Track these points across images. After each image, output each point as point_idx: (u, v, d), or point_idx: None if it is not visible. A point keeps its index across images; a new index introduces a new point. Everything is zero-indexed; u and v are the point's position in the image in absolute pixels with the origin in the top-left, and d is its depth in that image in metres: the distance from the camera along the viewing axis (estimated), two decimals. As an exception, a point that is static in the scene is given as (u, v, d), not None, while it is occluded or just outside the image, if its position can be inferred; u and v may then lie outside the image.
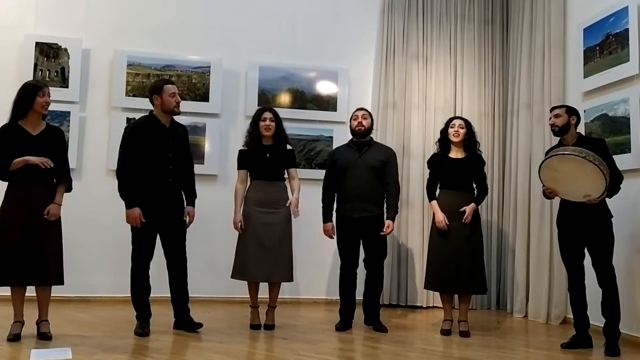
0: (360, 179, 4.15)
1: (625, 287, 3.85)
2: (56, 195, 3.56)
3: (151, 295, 3.88)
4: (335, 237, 4.26)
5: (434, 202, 4.22)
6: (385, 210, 4.21)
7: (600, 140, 3.81)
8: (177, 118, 3.98)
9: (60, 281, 3.55)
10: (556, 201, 4.61)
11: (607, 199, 3.65)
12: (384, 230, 4.11)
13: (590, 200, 3.56)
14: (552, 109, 3.94)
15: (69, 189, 3.66)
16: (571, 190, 3.64)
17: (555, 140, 3.97)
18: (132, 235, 3.80)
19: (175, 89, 3.87)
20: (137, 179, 3.76)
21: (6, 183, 3.55)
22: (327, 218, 4.24)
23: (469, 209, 4.08)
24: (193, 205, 3.96)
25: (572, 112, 3.84)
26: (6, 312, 4.02)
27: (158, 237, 3.86)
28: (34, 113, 3.54)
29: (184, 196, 3.94)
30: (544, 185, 3.78)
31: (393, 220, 4.17)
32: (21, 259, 3.42)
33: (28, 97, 3.51)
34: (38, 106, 3.53)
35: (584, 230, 3.70)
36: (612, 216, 3.69)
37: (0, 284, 3.47)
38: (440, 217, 4.11)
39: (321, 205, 4.27)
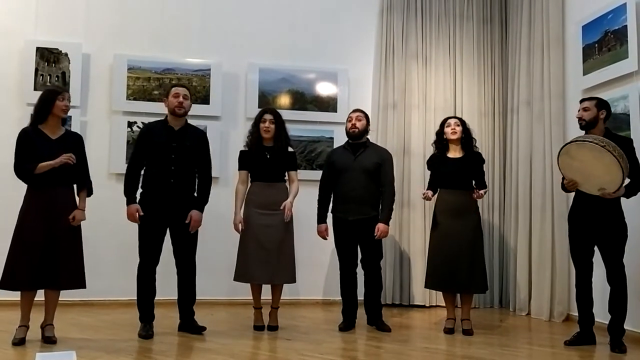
0: (356, 182, 4.15)
1: (634, 284, 3.82)
2: (80, 202, 3.62)
3: (155, 298, 3.89)
4: (329, 238, 4.27)
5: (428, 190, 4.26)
6: (380, 212, 4.20)
7: (628, 140, 3.68)
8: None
9: (82, 284, 3.59)
10: (558, 199, 4.64)
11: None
12: (376, 233, 4.07)
13: (604, 194, 3.49)
14: (581, 101, 3.80)
15: (89, 192, 3.72)
16: (587, 181, 3.55)
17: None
18: (138, 236, 3.83)
19: (179, 90, 3.91)
20: (144, 180, 3.86)
21: (24, 188, 3.59)
22: (321, 219, 4.25)
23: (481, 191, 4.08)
24: (199, 209, 3.91)
25: (602, 105, 3.69)
26: (9, 316, 4.03)
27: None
28: (54, 117, 3.60)
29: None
30: (564, 178, 3.69)
31: (386, 222, 4.12)
32: (36, 264, 3.44)
33: (48, 101, 3.58)
34: (58, 110, 3.59)
35: (596, 227, 3.65)
36: (624, 216, 3.64)
37: (14, 288, 3.49)
38: (425, 191, 4.20)
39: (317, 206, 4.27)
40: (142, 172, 3.90)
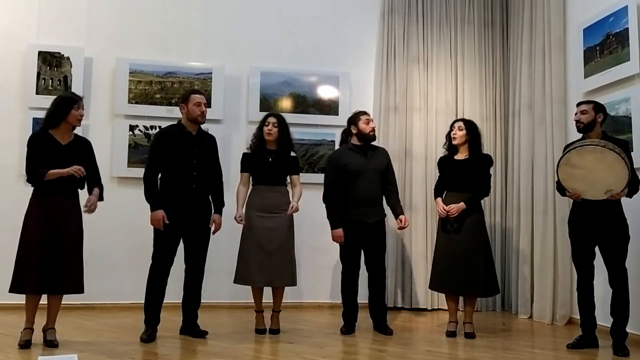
0: (372, 183, 4.18)
1: (636, 287, 3.81)
2: (93, 192, 3.62)
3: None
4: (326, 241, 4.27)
5: (438, 198, 4.25)
6: (392, 209, 4.28)
7: (624, 142, 3.70)
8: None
9: (79, 289, 3.59)
10: (560, 203, 4.63)
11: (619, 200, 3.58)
12: (403, 224, 4.20)
13: (613, 196, 3.48)
14: (578, 104, 3.82)
15: (101, 198, 3.71)
16: (592, 187, 3.53)
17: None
18: (153, 238, 3.84)
19: (200, 99, 3.93)
20: (162, 185, 3.86)
21: (27, 190, 3.60)
22: (337, 224, 4.15)
23: (455, 205, 4.07)
24: (220, 213, 3.98)
25: (599, 109, 3.72)
26: (10, 320, 4.04)
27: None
28: (67, 124, 3.62)
29: (212, 204, 3.99)
30: (563, 190, 3.68)
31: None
32: (41, 269, 3.45)
33: (63, 109, 3.59)
34: (73, 119, 3.61)
35: (597, 230, 3.64)
36: (625, 218, 3.63)
37: (22, 292, 3.50)
38: (440, 207, 4.16)
39: (325, 210, 4.20)
40: (159, 176, 3.91)
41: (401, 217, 4.22)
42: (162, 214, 3.76)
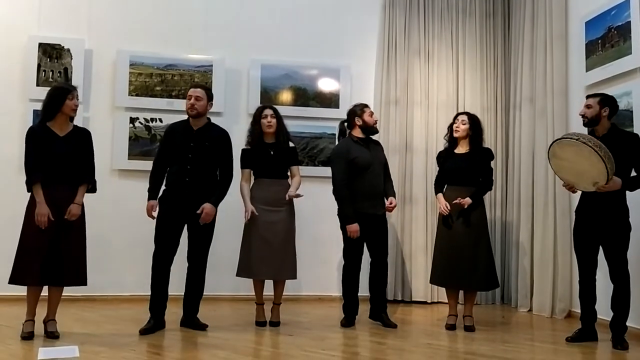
0: (379, 176, 4.22)
1: (637, 282, 3.79)
2: (77, 195, 3.58)
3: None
4: (327, 236, 4.27)
5: (439, 194, 4.24)
6: (385, 192, 4.27)
7: (634, 135, 3.65)
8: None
9: (82, 282, 3.60)
10: (560, 196, 4.63)
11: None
12: (390, 204, 4.18)
13: (600, 189, 3.46)
14: (587, 97, 3.78)
15: (93, 190, 3.71)
16: (581, 179, 3.53)
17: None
18: (154, 232, 3.87)
19: (191, 92, 3.94)
20: (167, 178, 3.95)
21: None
22: (352, 218, 4.06)
23: (463, 200, 4.06)
24: (212, 203, 3.87)
25: (605, 103, 3.65)
26: (10, 311, 4.05)
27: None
28: (63, 115, 3.61)
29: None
30: (564, 183, 3.71)
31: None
32: (43, 260, 3.46)
33: (58, 100, 3.58)
34: (67, 109, 3.60)
35: (601, 224, 3.63)
36: (629, 214, 3.61)
37: (23, 283, 3.51)
38: (442, 204, 4.14)
39: (338, 205, 4.14)
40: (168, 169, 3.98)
41: (392, 198, 4.20)
42: (151, 205, 3.87)
